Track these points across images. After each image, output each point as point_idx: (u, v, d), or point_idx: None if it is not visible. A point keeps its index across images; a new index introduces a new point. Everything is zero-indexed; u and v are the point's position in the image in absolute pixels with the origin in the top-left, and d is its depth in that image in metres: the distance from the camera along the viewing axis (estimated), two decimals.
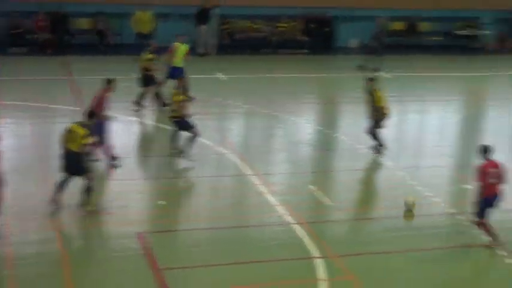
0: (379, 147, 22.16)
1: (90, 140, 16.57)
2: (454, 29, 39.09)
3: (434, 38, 38.72)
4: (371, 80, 22.04)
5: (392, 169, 22.17)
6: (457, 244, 17.57)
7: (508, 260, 16.72)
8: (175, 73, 26.57)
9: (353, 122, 27.02)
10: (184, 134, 21.18)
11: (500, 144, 24.68)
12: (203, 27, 34.74)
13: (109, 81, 21.06)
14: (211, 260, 16.16)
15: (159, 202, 19.60)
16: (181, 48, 27.70)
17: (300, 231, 17.55)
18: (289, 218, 18.19)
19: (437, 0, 38.09)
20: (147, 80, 26.01)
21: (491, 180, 16.25)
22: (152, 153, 24.09)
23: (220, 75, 30.77)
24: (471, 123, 29.22)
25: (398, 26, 38.49)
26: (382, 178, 22.47)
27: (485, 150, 16.85)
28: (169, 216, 19.11)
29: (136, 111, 25.76)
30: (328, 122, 27.81)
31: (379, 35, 33.73)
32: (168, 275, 15.20)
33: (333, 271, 15.49)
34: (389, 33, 37.12)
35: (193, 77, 26.79)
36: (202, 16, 34.76)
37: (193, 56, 32.00)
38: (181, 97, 21.27)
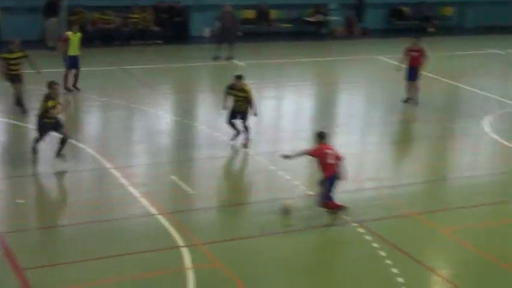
0: (244, 136, 22.38)
1: None
2: (303, 15, 39.53)
3: (284, 25, 39.14)
4: (239, 77, 22.09)
5: (252, 155, 22.49)
6: (317, 224, 17.86)
7: (367, 237, 17.27)
8: (75, 62, 27.30)
9: (210, 110, 27.37)
10: (55, 135, 20.46)
11: (352, 125, 25.87)
12: (52, 20, 34.10)
13: None
14: (76, 257, 15.84)
15: (18, 201, 18.95)
16: (75, 37, 27.46)
17: (164, 221, 17.62)
18: (152, 209, 18.21)
19: None
20: (16, 78, 24.82)
21: (330, 161, 17.26)
22: (11, 151, 23.00)
23: None
24: (325, 107, 29.91)
25: (249, 14, 38.64)
26: (243, 165, 23.02)
27: (321, 136, 17.88)
28: (28, 215, 18.78)
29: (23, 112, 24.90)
30: (185, 111, 27.71)
31: (227, 23, 33.71)
32: (30, 275, 14.79)
33: (199, 259, 15.69)
34: (241, 22, 37.13)
35: (44, 71, 25.95)
36: (51, 8, 34.16)
37: (42, 50, 32.05)
38: (53, 102, 20.06)
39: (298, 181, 20.51)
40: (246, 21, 38.41)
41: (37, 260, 15.57)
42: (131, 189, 19.14)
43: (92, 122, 26.28)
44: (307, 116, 28.73)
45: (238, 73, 22.89)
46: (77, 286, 15.15)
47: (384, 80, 32.63)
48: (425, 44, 32.42)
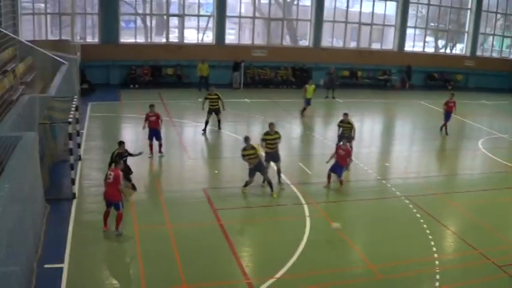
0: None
1: None
2: (377, 75, 40.52)
3: (366, 80, 40.07)
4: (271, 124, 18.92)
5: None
6: (380, 197, 19.32)
7: (410, 206, 18.01)
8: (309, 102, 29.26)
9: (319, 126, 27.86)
10: None
11: (404, 140, 27.25)
12: (236, 73, 36.15)
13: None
14: (238, 204, 16.93)
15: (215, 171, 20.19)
16: (310, 88, 29.21)
17: (294, 189, 18.34)
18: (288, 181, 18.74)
19: (369, 58, 40.14)
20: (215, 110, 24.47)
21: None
22: None
23: None
24: (389, 127, 30.42)
25: (345, 72, 39.32)
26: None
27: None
28: (220, 179, 19.61)
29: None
30: (308, 127, 27.96)
31: (332, 77, 34.96)
32: (220, 213, 15.93)
33: (313, 211, 16.53)
34: (340, 77, 38.15)
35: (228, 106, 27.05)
36: (236, 66, 36.11)
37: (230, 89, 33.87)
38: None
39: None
40: (344, 77, 39.07)
41: (223, 204, 17.00)
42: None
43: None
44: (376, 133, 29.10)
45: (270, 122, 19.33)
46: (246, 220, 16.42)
47: (423, 115, 32.98)
48: (447, 95, 33.78)
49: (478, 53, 45.16)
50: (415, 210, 17.62)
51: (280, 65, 38.05)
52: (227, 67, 36.19)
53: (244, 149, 17.49)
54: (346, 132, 20.95)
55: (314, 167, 21.34)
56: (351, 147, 20.42)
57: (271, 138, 18.28)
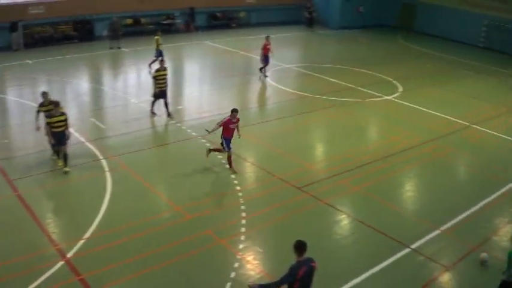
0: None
1: None
2: (160, 20, 39.71)
3: (150, 26, 38.67)
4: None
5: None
6: (185, 138, 19.01)
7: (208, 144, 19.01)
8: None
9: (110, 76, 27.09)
10: None
11: (193, 81, 26.25)
12: (14, 34, 32.64)
13: None
14: None
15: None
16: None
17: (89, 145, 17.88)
18: (82, 139, 18.19)
19: (150, 4, 39.23)
20: None
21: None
22: None
23: None
24: (181, 71, 29.70)
25: (129, 21, 38.03)
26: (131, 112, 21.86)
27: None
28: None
29: None
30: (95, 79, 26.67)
31: (115, 27, 33.82)
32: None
33: (113, 165, 16.44)
34: (124, 26, 36.80)
35: None
36: (13, 26, 32.49)
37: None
38: None
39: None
40: (127, 25, 37.77)
41: (19, 173, 16.18)
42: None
43: None
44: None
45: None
46: None
47: (209, 55, 33.18)
48: (231, 33, 34.75)
49: None
50: (208, 144, 17.99)
51: (60, 21, 35.93)
52: (3, 28, 33.29)
53: (50, 116, 15.57)
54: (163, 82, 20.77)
55: (107, 120, 20.93)
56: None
57: (55, 119, 15.59)
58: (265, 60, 27.31)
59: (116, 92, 24.30)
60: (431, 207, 15.45)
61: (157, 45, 28.25)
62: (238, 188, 15.45)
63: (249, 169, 17.01)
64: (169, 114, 20.77)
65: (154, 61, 27.56)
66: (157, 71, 20.67)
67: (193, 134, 19.34)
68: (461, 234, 14.06)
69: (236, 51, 34.13)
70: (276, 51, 32.69)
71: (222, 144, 16.21)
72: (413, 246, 13.20)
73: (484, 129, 22.35)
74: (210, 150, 16.75)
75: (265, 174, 16.46)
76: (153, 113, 20.97)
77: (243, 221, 13.70)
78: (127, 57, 31.08)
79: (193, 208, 14.17)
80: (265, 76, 27.62)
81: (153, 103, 20.94)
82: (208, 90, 26.01)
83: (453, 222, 14.53)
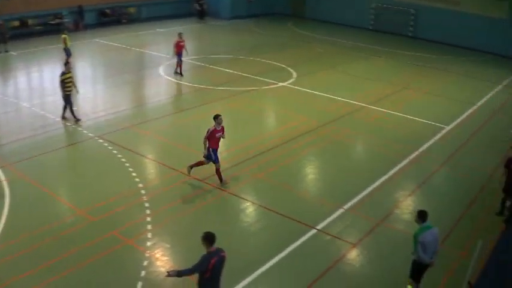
0: None
1: None
2: (47, 20, 38.18)
3: (38, 27, 37.46)
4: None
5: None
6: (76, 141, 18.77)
7: (105, 144, 18.30)
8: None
9: None
10: None
11: (87, 79, 26.04)
12: None
13: None
14: None
15: None
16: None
17: None
18: None
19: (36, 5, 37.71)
20: None
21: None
22: None
23: None
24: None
25: (15, 23, 36.26)
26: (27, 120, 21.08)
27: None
28: None
29: None
30: None
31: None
32: None
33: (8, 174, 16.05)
34: (11, 28, 35.15)
35: None
36: None
37: None
38: None
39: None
40: (14, 27, 35.89)
41: None
42: None
43: None
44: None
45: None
46: None
47: (101, 52, 32.31)
48: (122, 29, 34.04)
49: None
50: (110, 148, 17.94)
51: None
52: None
53: None
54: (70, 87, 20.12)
55: (0, 127, 20.08)
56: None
57: None
58: (179, 58, 26.79)
59: (5, 98, 23.24)
60: (334, 188, 16.15)
61: (66, 44, 27.72)
62: (140, 185, 15.42)
63: (150, 165, 17.01)
64: (76, 119, 20.15)
65: (67, 60, 26.12)
66: (63, 74, 19.99)
67: (90, 134, 19.01)
68: (365, 210, 14.80)
69: (128, 48, 33.65)
70: (169, 45, 32.56)
71: (206, 157, 15.21)
72: (319, 227, 13.71)
73: (379, 108, 23.51)
74: (191, 166, 15.59)
75: (167, 170, 16.49)
76: (77, 119, 20.26)
77: (148, 219, 13.68)
78: (16, 60, 29.90)
79: (97, 210, 13.97)
80: (181, 75, 27.17)
81: (65, 108, 20.28)
82: (102, 89, 25.48)
83: (356, 200, 15.26)
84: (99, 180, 15.67)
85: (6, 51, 31.89)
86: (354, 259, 12.64)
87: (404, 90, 27.00)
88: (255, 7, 48.97)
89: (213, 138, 15.03)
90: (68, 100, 20.16)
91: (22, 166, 16.53)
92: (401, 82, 28.30)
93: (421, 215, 10.37)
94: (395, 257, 12.63)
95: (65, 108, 20.28)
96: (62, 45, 28.07)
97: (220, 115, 15.17)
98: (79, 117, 20.23)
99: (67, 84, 19.97)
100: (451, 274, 11.90)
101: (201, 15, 46.20)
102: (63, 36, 27.99)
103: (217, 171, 15.42)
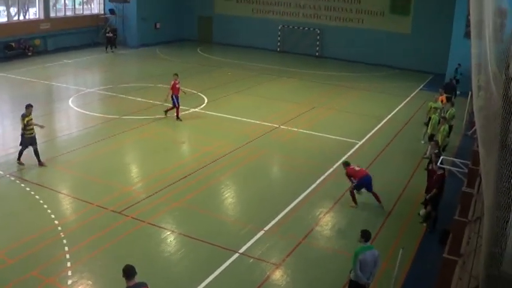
0: None
1: None
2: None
3: None
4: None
5: None
6: None
7: (17, 181, 17.76)
8: None
9: None
10: None
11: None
12: None
13: None
14: None
15: None
16: None
17: None
18: None
19: None
20: None
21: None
22: None
23: None
24: None
25: None
26: None
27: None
28: None
29: None
30: None
31: None
32: None
33: None
34: None
35: None
36: None
37: None
38: None
39: None
40: None
41: None
42: None
43: None
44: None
45: None
46: None
47: (7, 87, 31.19)
48: (28, 62, 33.15)
49: (52, 14, 44.81)
50: (23, 185, 17.40)
51: None
52: None
53: None
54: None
55: None
56: None
57: None
58: (176, 101, 24.42)
59: None
60: (253, 210, 16.35)
61: None
62: (56, 222, 14.99)
63: (65, 201, 16.52)
64: (40, 163, 18.93)
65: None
66: (25, 116, 18.61)
67: (1, 172, 18.31)
68: (286, 230, 15.06)
69: (35, 81, 32.55)
70: (77, 76, 32.07)
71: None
72: (241, 250, 13.83)
73: (292, 128, 24.00)
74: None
75: (82, 204, 16.11)
76: (20, 163, 19.07)
77: (67, 255, 13.30)
78: None
79: (13, 251, 13.41)
80: (180, 119, 24.91)
81: (21, 152, 18.98)
82: (10, 125, 24.08)
83: (275, 220, 15.57)
84: (14, 220, 15.04)
85: None
86: (278, 279, 12.81)
87: (315, 109, 27.75)
88: (163, 34, 49.05)
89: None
90: (31, 142, 19.02)
91: None
92: (311, 101, 29.07)
93: (364, 235, 10.65)
94: (319, 273, 12.90)
95: (21, 152, 19.10)
96: None
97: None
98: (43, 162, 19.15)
99: (30, 126, 18.85)
100: (376, 284, 12.18)
101: (113, 43, 45.00)
102: None
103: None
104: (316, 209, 16.53)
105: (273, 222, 15.38)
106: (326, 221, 15.74)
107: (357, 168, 16.34)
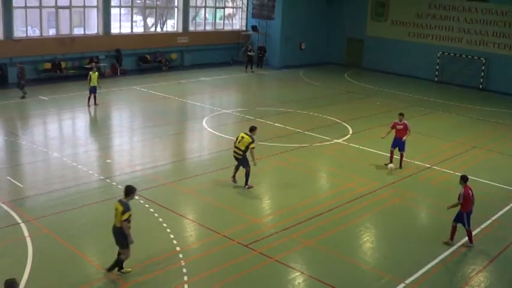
0: None
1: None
2: (84, 64, 39.13)
3: (71, 71, 38.64)
4: None
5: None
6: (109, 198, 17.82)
7: (141, 201, 18.86)
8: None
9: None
10: None
11: (122, 130, 26.58)
12: None
13: None
14: None
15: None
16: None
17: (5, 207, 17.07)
18: None
19: (72, 46, 38.73)
20: None
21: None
22: None
23: None
24: (105, 119, 29.60)
25: (47, 65, 37.33)
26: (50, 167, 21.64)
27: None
28: None
29: None
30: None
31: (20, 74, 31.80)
32: None
33: (33, 229, 15.84)
34: (42, 71, 36.76)
35: None
36: None
37: None
38: None
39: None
40: (45, 70, 37.10)
41: None
42: None
43: None
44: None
45: None
46: None
47: (140, 101, 33.01)
48: (163, 77, 34.64)
49: (191, 28, 46.69)
50: (147, 205, 17.86)
51: None
52: None
53: None
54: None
55: (26, 178, 20.46)
56: None
57: None
58: (402, 146, 22.85)
59: (35, 146, 23.66)
60: (393, 258, 15.66)
61: (91, 82, 29.98)
62: (178, 248, 15.21)
63: (189, 227, 16.80)
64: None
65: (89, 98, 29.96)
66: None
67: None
68: (430, 286, 14.25)
69: (169, 97, 34.05)
70: (214, 95, 32.88)
71: None
72: None
73: (446, 169, 22.92)
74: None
75: (208, 232, 16.29)
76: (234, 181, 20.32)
77: (186, 286, 13.46)
78: (47, 106, 30.56)
79: (129, 275, 13.82)
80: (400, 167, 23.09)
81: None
82: (140, 141, 25.74)
83: (419, 273, 14.71)
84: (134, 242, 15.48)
85: (23, 97, 32.16)
86: None
87: (474, 149, 26.51)
88: (308, 55, 49.38)
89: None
90: None
91: (49, 221, 16.51)
92: (470, 141, 27.82)
93: None
94: None
95: None
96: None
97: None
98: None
99: None
100: None
101: (255, 62, 46.02)
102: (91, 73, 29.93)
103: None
104: (467, 265, 15.58)
105: (416, 275, 14.65)
106: (478, 281, 14.77)
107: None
